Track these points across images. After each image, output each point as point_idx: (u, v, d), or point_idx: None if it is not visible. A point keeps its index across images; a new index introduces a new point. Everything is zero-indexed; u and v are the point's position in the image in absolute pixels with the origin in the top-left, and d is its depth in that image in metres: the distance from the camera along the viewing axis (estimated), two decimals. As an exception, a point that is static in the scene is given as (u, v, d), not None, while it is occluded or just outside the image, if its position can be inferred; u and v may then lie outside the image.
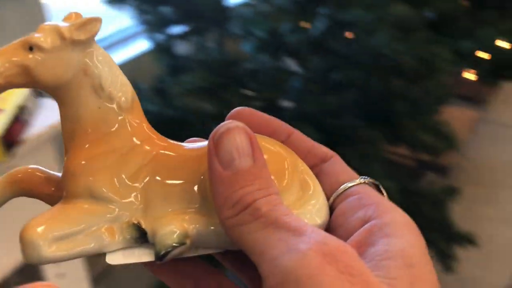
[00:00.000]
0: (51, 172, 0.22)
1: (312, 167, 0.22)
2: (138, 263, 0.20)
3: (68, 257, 0.20)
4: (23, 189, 0.22)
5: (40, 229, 0.19)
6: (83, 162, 0.20)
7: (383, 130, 0.98)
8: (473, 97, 2.17)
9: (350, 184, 0.22)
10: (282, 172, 0.20)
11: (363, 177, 0.22)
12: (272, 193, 0.19)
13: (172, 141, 0.22)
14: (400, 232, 0.19)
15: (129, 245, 0.20)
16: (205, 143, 0.21)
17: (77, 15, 0.21)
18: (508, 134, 2.11)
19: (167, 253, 0.19)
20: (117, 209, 0.20)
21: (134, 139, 0.21)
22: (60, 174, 0.22)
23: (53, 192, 0.22)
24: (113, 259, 0.20)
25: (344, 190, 0.21)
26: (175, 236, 0.20)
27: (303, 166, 0.21)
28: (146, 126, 0.22)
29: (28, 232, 0.19)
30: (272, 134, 0.22)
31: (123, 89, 0.21)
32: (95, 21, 0.20)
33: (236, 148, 0.19)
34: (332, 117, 0.92)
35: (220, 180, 0.19)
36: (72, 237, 0.20)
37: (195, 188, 0.20)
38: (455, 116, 1.99)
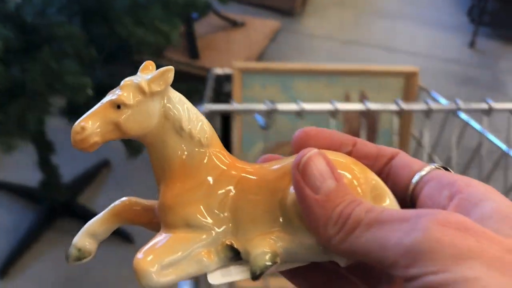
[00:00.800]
0: (145, 201, 0.25)
1: (383, 166, 0.24)
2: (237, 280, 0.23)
3: (176, 281, 0.22)
4: (125, 219, 0.25)
5: (150, 259, 0.21)
6: (176, 197, 0.23)
7: (99, 27, 1.04)
8: (281, 8, 2.32)
9: (424, 172, 0.23)
10: (354, 187, 0.22)
11: (433, 163, 0.23)
12: (362, 202, 0.20)
13: (250, 164, 0.24)
14: (488, 195, 0.20)
15: (225, 264, 0.23)
16: (280, 162, 0.24)
17: (152, 65, 0.23)
18: (312, 44, 2.30)
19: (262, 272, 0.22)
20: (211, 234, 0.23)
21: (217, 170, 0.23)
22: (152, 202, 0.25)
23: (151, 220, 0.25)
24: (213, 279, 0.23)
25: (421, 178, 0.22)
26: (267, 257, 0.22)
27: (374, 180, 0.23)
28: (226, 154, 0.24)
29: (140, 263, 0.21)
30: (339, 147, 0.24)
31: (201, 126, 0.23)
32: (168, 72, 0.22)
33: (320, 174, 0.21)
34: (36, 15, 0.97)
35: (316, 204, 0.20)
36: (177, 263, 0.22)
37: (277, 208, 0.23)
38: (257, 25, 2.13)
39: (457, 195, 0.20)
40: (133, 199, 0.25)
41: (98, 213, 0.25)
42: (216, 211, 0.23)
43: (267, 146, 0.86)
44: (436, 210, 0.19)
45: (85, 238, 0.24)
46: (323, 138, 0.24)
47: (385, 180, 0.23)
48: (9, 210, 1.78)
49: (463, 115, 0.63)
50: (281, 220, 0.22)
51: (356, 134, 0.81)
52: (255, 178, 0.23)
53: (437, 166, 0.23)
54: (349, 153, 0.24)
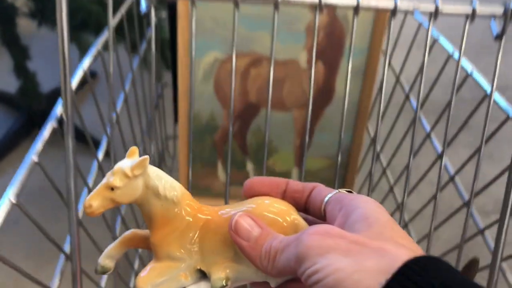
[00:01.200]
0: (145, 232, 0.35)
1: (308, 196, 0.34)
2: None
3: None
4: (131, 245, 0.36)
5: (145, 281, 0.33)
6: (159, 239, 0.33)
7: None
8: None
9: (330, 195, 0.32)
10: (280, 227, 0.32)
11: (339, 189, 0.33)
12: (278, 237, 0.30)
13: (211, 209, 0.34)
14: (360, 205, 0.29)
15: (197, 282, 0.34)
16: (234, 207, 0.33)
17: (136, 150, 0.32)
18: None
19: None
20: (185, 263, 0.33)
21: (187, 218, 0.33)
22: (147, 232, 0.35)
23: (149, 246, 0.34)
24: None
25: (328, 200, 0.32)
26: (222, 282, 0.33)
27: (295, 218, 0.33)
28: (194, 205, 0.33)
29: (139, 283, 0.32)
30: (276, 188, 0.34)
31: (173, 190, 0.32)
32: (145, 160, 0.30)
33: (249, 226, 0.31)
34: None
35: (249, 248, 0.30)
36: (164, 283, 0.33)
37: (230, 244, 0.32)
38: None
39: (343, 208, 0.30)
40: (136, 231, 0.35)
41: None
42: (188, 246, 0.33)
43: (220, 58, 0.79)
44: (313, 225, 0.28)
45: (105, 259, 0.35)
46: (264, 184, 0.34)
47: (309, 204, 0.33)
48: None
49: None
50: (233, 251, 0.33)
51: (321, 49, 0.73)
52: (214, 222, 0.33)
53: (340, 191, 0.32)
54: (284, 191, 0.34)
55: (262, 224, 0.31)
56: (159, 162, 1.00)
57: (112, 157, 0.57)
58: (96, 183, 0.57)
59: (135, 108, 0.75)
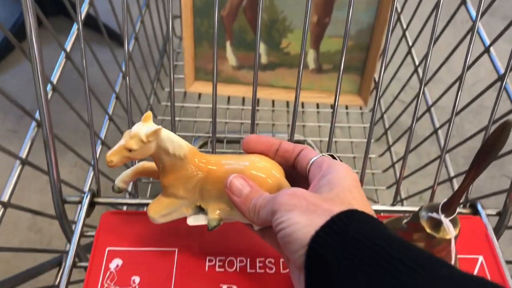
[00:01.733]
0: (154, 165, 0.42)
1: (296, 156, 0.40)
2: (201, 225, 0.42)
3: (168, 220, 0.42)
4: (142, 174, 0.43)
5: (154, 213, 0.42)
6: (168, 182, 0.40)
7: None
8: None
9: (314, 158, 0.38)
10: (267, 185, 0.39)
11: (323, 153, 0.39)
12: (263, 194, 0.37)
13: (214, 159, 0.41)
14: (331, 171, 0.36)
15: (195, 214, 0.42)
16: (235, 160, 0.41)
17: (150, 116, 0.38)
18: None
19: (212, 229, 0.41)
20: (188, 201, 0.41)
21: (192, 169, 0.40)
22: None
23: (157, 176, 0.42)
24: (189, 221, 0.42)
25: (312, 162, 0.38)
26: (215, 222, 0.41)
27: (278, 175, 0.40)
28: (198, 158, 0.40)
29: (150, 212, 0.42)
30: (270, 147, 0.41)
31: (181, 149, 0.39)
32: (159, 130, 0.37)
33: (241, 185, 0.38)
34: None
35: (240, 203, 0.38)
36: (170, 214, 0.42)
37: (224, 193, 0.39)
38: None
39: (321, 172, 0.37)
40: (149, 163, 0.42)
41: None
42: (191, 189, 0.41)
43: None
44: (286, 189, 0.36)
45: (120, 182, 0.43)
46: (260, 142, 0.41)
47: (297, 163, 0.40)
48: (0, 4, 1.70)
49: None
50: (227, 197, 0.39)
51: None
52: (216, 171, 0.40)
53: (323, 155, 0.39)
54: (277, 150, 0.41)
55: (252, 184, 0.38)
56: (164, 43, 0.92)
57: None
58: (77, 47, 0.52)
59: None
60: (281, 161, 0.41)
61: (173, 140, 0.38)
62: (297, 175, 0.41)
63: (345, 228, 0.30)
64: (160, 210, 0.41)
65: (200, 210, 0.42)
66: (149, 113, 0.37)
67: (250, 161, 0.40)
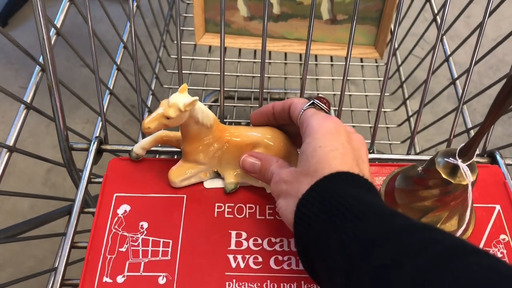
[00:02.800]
0: (173, 134, 0.47)
1: (288, 110, 0.43)
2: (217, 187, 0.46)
3: (188, 184, 0.46)
4: (161, 142, 0.47)
5: (175, 177, 0.45)
6: (191, 148, 0.44)
7: None
8: None
9: (301, 112, 0.41)
10: (274, 149, 0.45)
11: (313, 101, 0.41)
12: (274, 163, 0.42)
13: (232, 130, 0.45)
14: (309, 132, 0.38)
15: (212, 178, 0.46)
16: (252, 131, 0.46)
17: (186, 88, 0.41)
18: None
19: (230, 191, 0.45)
20: (206, 165, 0.45)
21: (213, 139, 0.44)
22: (176, 134, 0.47)
23: (177, 143, 0.46)
24: (206, 184, 0.46)
25: (300, 116, 0.41)
26: (232, 185, 0.46)
27: (283, 141, 0.46)
28: (221, 128, 0.44)
29: (171, 175, 0.45)
30: (267, 115, 0.45)
31: (208, 120, 0.42)
32: (195, 101, 0.40)
33: (251, 163, 0.43)
34: None
35: (256, 176, 0.44)
36: (189, 178, 0.46)
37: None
38: None
39: (303, 134, 0.39)
40: (168, 132, 0.47)
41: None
42: (210, 156, 0.45)
43: None
44: (278, 171, 0.40)
45: (138, 148, 0.46)
46: (258, 115, 0.46)
47: (289, 116, 0.43)
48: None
49: None
50: None
51: None
52: (235, 140, 0.45)
53: (314, 101, 0.41)
54: (272, 113, 0.45)
55: (260, 156, 0.43)
56: (174, -6, 0.90)
57: None
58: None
59: None
60: (281, 121, 0.45)
61: (203, 110, 0.42)
62: (291, 131, 0.46)
63: (321, 195, 0.34)
64: (180, 174, 0.45)
65: (217, 176, 0.46)
66: (185, 85, 0.40)
67: (260, 132, 0.45)
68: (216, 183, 0.46)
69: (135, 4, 0.69)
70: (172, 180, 0.45)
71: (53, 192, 1.23)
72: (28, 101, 0.43)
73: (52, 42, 0.45)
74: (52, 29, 0.46)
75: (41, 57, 0.44)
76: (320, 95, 0.42)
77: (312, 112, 0.40)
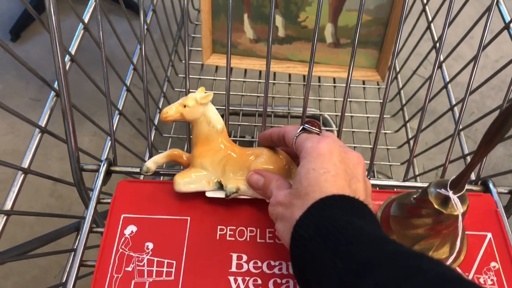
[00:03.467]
0: (184, 153, 0.49)
1: (282, 137, 0.45)
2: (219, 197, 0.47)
3: (190, 191, 0.47)
4: (173, 159, 0.49)
5: (180, 179, 0.47)
6: (200, 152, 0.47)
7: None
8: None
9: (296, 135, 0.43)
10: (277, 168, 0.48)
11: (303, 126, 0.43)
12: (274, 181, 0.44)
13: (236, 146, 0.48)
14: (302, 156, 0.40)
15: (215, 189, 0.47)
16: (252, 149, 0.49)
17: (203, 89, 0.46)
18: None
19: (229, 195, 0.47)
20: (211, 173, 0.47)
21: (221, 145, 0.47)
22: (187, 154, 0.50)
23: (187, 162, 0.49)
24: (208, 194, 0.47)
25: (296, 138, 0.43)
26: (234, 188, 0.47)
27: (285, 161, 0.49)
28: (226, 139, 0.48)
29: (176, 179, 0.47)
30: (269, 138, 0.48)
31: (218, 123, 0.47)
32: (209, 95, 0.45)
33: (257, 180, 0.46)
34: None
35: (260, 192, 0.46)
36: (193, 183, 0.47)
37: (243, 170, 0.47)
38: None
39: (300, 155, 0.41)
40: (180, 151, 0.49)
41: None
42: (216, 163, 0.47)
43: None
44: (275, 194, 0.42)
45: (151, 163, 0.48)
46: (262, 139, 0.49)
47: (282, 140, 0.46)
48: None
49: None
50: (245, 174, 0.47)
51: None
52: (237, 153, 0.48)
53: (305, 127, 0.43)
54: (271, 140, 0.48)
55: (264, 174, 0.46)
56: (182, 15, 0.92)
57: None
58: (95, 18, 0.53)
59: None
60: (280, 146, 0.48)
61: (215, 113, 0.47)
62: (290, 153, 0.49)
63: (316, 218, 0.35)
64: (185, 177, 0.47)
65: (220, 188, 0.48)
66: (202, 88, 0.46)
67: (266, 154, 0.48)
68: (218, 193, 0.47)
69: (145, 27, 0.72)
70: (177, 181, 0.46)
71: (60, 203, 1.25)
72: (43, 125, 0.46)
73: (67, 67, 0.48)
74: (67, 55, 0.49)
75: (56, 82, 0.47)
76: (309, 119, 0.44)
77: (305, 137, 0.42)
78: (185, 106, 0.45)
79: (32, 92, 1.42)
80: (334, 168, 0.38)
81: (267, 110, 0.70)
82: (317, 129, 0.43)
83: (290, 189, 0.40)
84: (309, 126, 0.43)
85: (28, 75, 1.52)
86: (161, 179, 0.65)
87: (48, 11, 0.41)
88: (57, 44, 0.42)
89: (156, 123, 0.79)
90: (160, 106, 0.82)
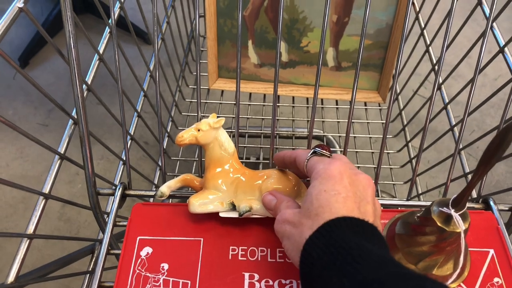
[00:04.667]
0: (197, 178, 0.53)
1: (294, 161, 0.48)
2: (231, 217, 0.49)
3: (205, 212, 0.49)
4: (186, 184, 0.52)
5: (195, 200, 0.49)
6: (212, 175, 0.49)
7: None
8: None
9: (307, 158, 0.45)
10: (288, 191, 0.50)
11: (314, 149, 0.46)
12: (284, 202, 0.46)
13: (246, 168, 0.51)
14: (313, 178, 0.42)
15: (228, 210, 0.49)
16: (264, 171, 0.51)
17: (215, 116, 0.49)
18: None
19: (242, 214, 0.48)
20: (224, 194, 0.49)
21: (232, 168, 0.50)
22: (199, 179, 0.53)
23: (199, 186, 0.52)
24: (222, 214, 0.49)
25: (307, 161, 0.45)
26: (246, 207, 0.48)
27: (294, 181, 0.51)
28: (237, 162, 0.51)
29: (191, 200, 0.49)
30: (283, 160, 0.51)
31: (230, 147, 0.50)
32: (221, 120, 0.48)
33: (269, 200, 0.47)
34: None
35: (272, 212, 0.47)
36: (207, 204, 0.49)
37: (255, 191, 0.49)
38: None
39: (311, 177, 0.43)
40: (192, 176, 0.52)
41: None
42: (229, 184, 0.50)
43: None
44: (282, 211, 0.44)
45: (165, 188, 0.51)
46: (277, 160, 0.52)
47: (294, 163, 0.48)
48: (32, 1, 1.76)
49: None
50: (256, 195, 0.50)
51: None
52: (247, 176, 0.50)
53: (316, 150, 0.45)
54: (284, 163, 0.51)
55: (277, 195, 0.47)
56: (189, 42, 0.96)
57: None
58: (107, 47, 0.56)
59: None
60: (291, 168, 0.51)
61: (227, 137, 0.50)
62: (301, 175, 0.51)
63: (325, 238, 0.36)
64: (200, 199, 0.49)
65: (233, 208, 0.50)
66: (214, 114, 0.50)
67: (273, 173, 0.51)
68: (231, 213, 0.49)
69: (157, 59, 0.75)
70: (192, 202, 0.48)
71: (68, 226, 1.27)
72: (62, 152, 0.48)
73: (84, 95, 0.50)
74: (84, 85, 0.51)
75: (74, 110, 0.49)
76: (320, 143, 0.47)
77: (316, 159, 0.44)
78: (199, 131, 0.48)
79: (40, 118, 1.45)
80: (345, 190, 0.39)
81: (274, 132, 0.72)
82: (327, 153, 0.45)
83: (299, 209, 0.42)
84: (319, 149, 0.45)
85: (37, 101, 1.56)
86: (169, 201, 0.67)
87: (68, 45, 0.44)
88: (76, 75, 0.45)
89: (164, 147, 0.81)
90: (168, 130, 0.84)
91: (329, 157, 0.45)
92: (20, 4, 0.40)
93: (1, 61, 0.41)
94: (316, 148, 0.45)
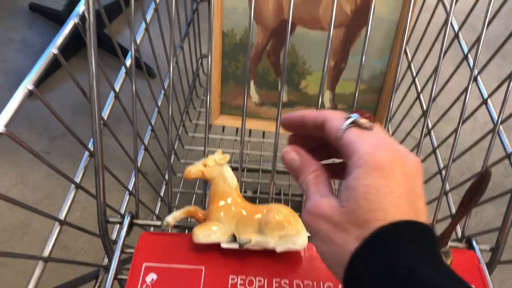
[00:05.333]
0: (201, 210, 0.55)
1: (320, 125, 0.36)
2: (232, 248, 0.52)
3: (207, 242, 0.52)
4: (191, 215, 0.55)
5: (199, 231, 0.52)
6: (216, 207, 0.53)
7: None
8: None
9: (343, 128, 0.33)
10: (289, 231, 0.53)
11: (353, 117, 0.33)
12: (312, 172, 0.36)
13: (248, 203, 0.54)
14: (359, 171, 0.31)
15: (229, 241, 0.53)
16: (261, 206, 0.54)
17: (220, 153, 0.53)
18: None
19: (242, 245, 0.52)
20: (226, 226, 0.53)
21: (234, 202, 0.53)
22: (203, 211, 0.55)
23: (202, 218, 0.55)
24: (223, 245, 0.52)
25: (342, 136, 0.33)
26: (247, 239, 0.51)
27: (294, 217, 0.53)
28: (239, 196, 0.54)
29: (195, 231, 0.52)
30: (294, 119, 0.38)
31: (233, 182, 0.53)
32: (226, 157, 0.52)
33: (291, 159, 0.37)
34: None
35: (293, 176, 0.38)
36: (210, 235, 0.52)
37: (254, 224, 0.52)
38: None
39: (349, 160, 0.32)
40: (196, 208, 0.55)
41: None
42: (231, 217, 0.53)
43: None
44: (311, 200, 0.34)
45: (170, 219, 0.53)
46: (293, 119, 0.38)
47: (321, 134, 0.36)
48: (40, 32, 1.82)
49: None
50: (255, 228, 0.52)
51: None
52: (247, 210, 0.53)
53: (355, 120, 0.33)
54: (301, 127, 0.38)
55: (303, 155, 0.37)
56: (194, 79, 1.01)
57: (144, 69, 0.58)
58: (122, 87, 0.61)
59: (167, 23, 0.75)
60: (312, 134, 0.38)
61: (231, 173, 0.53)
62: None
63: (378, 257, 0.29)
64: (204, 230, 0.52)
65: (233, 239, 0.53)
66: (219, 150, 0.53)
67: (273, 207, 0.53)
68: (232, 244, 0.52)
69: (162, 92, 0.80)
70: (196, 233, 0.52)
71: (65, 253, 1.29)
72: (78, 181, 0.52)
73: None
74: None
75: (90, 142, 0.53)
76: (361, 108, 0.42)
77: (355, 133, 0.33)
78: (205, 166, 0.51)
79: (43, 145, 1.49)
80: (397, 187, 0.31)
81: (269, 166, 0.76)
82: (369, 124, 0.34)
83: (340, 205, 0.32)
84: (359, 117, 0.34)
85: (41, 128, 1.60)
86: (169, 231, 0.70)
87: (90, 86, 0.48)
88: (96, 112, 0.49)
89: (166, 178, 0.85)
90: (171, 162, 0.88)
91: (371, 130, 0.34)
92: (55, 51, 0.45)
93: (6, 86, 0.45)
94: (355, 114, 0.34)
